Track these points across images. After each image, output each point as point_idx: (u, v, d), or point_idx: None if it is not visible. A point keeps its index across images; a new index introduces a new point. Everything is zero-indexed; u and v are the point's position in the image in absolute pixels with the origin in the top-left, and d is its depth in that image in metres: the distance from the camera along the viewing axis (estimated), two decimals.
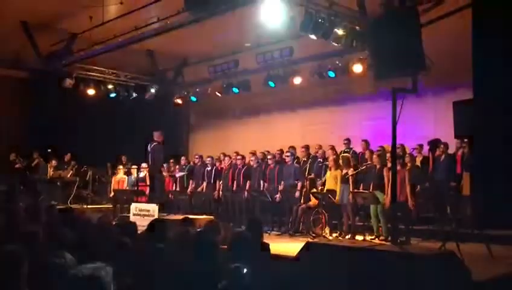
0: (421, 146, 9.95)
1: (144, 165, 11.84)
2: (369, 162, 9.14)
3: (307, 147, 10.96)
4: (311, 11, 8.68)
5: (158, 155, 10.48)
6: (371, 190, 8.51)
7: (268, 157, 11.00)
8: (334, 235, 9.03)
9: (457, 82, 9.75)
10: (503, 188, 7.67)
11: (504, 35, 7.86)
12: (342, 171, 9.06)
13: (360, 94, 12.22)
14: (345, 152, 10.42)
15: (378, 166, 8.64)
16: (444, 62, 8.74)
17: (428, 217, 9.14)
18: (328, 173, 9.39)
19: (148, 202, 10.74)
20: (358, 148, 10.84)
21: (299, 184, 9.99)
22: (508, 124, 7.81)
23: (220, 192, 11.44)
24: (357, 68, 10.85)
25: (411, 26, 5.89)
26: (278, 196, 10.14)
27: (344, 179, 8.99)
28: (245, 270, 3.18)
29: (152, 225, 4.69)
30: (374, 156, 8.98)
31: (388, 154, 8.82)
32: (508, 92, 7.79)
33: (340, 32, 9.10)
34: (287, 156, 10.46)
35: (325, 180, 9.56)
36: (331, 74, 11.40)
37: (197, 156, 12.81)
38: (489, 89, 8.09)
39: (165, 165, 12.44)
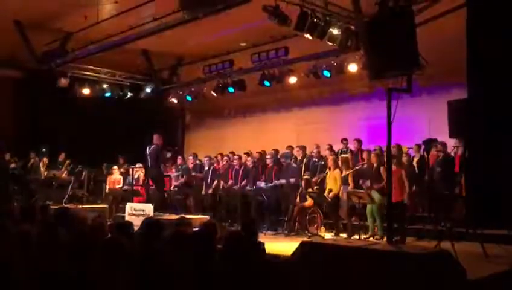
0: (418, 146, 9.96)
1: (138, 165, 11.77)
2: (366, 161, 9.15)
3: (303, 147, 10.99)
4: (306, 11, 8.71)
5: (155, 157, 10.46)
6: (368, 189, 8.53)
7: (267, 157, 11.02)
8: (330, 234, 9.05)
9: (451, 82, 9.79)
10: (497, 187, 7.72)
11: (498, 35, 7.90)
12: (341, 172, 9.09)
13: (355, 94, 12.24)
14: (342, 152, 10.44)
15: (375, 165, 8.66)
16: (439, 62, 8.75)
17: (424, 216, 9.16)
18: (328, 173, 9.42)
19: (146, 202, 10.69)
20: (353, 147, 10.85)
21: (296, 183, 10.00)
22: (502, 124, 7.85)
23: (216, 191, 11.44)
24: (352, 68, 10.86)
25: (406, 25, 5.90)
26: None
27: (343, 180, 9.03)
28: None
29: (145, 224, 4.65)
30: (372, 155, 8.99)
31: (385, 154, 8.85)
32: (502, 91, 7.83)
33: (335, 31, 9.13)
34: (283, 162, 10.48)
35: (321, 180, 9.59)
36: (326, 74, 11.41)
37: (191, 156, 12.79)
38: (484, 89, 8.12)
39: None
